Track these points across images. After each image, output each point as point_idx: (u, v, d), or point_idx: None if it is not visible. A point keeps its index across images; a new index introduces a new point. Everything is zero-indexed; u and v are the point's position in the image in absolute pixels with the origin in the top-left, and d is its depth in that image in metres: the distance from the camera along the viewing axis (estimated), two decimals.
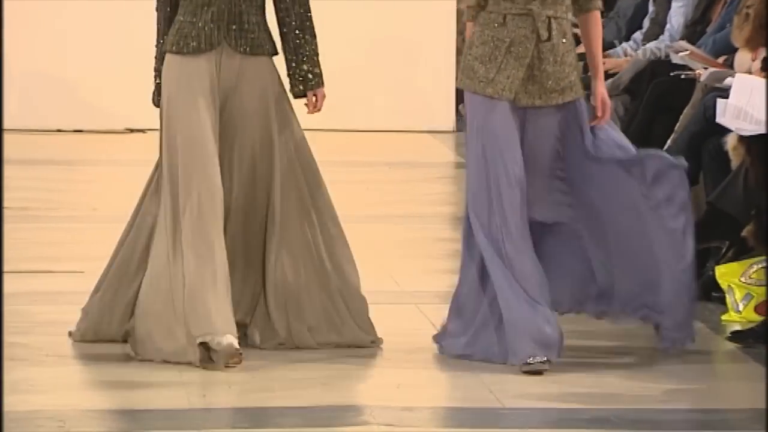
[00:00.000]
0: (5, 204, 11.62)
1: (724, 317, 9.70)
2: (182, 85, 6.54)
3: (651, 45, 12.89)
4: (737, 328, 9.46)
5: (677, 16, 12.83)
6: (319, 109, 6.85)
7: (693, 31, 12.48)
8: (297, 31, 6.74)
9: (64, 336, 9.08)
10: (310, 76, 6.77)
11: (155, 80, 6.66)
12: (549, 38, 6.63)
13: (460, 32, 17.09)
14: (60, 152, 14.87)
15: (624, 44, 13.55)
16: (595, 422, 6.89)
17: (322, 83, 6.78)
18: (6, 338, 8.51)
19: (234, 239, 7.36)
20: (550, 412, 7.20)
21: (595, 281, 7.60)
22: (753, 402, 7.15)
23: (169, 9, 6.52)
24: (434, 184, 14.83)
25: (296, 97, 6.80)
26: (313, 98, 6.85)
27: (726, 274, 9.62)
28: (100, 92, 16.29)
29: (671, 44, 12.25)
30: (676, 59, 11.67)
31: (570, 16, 6.79)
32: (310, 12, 6.67)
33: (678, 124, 11.32)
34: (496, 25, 6.66)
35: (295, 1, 6.57)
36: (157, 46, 6.61)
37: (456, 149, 16.20)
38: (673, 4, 12.96)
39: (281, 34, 6.71)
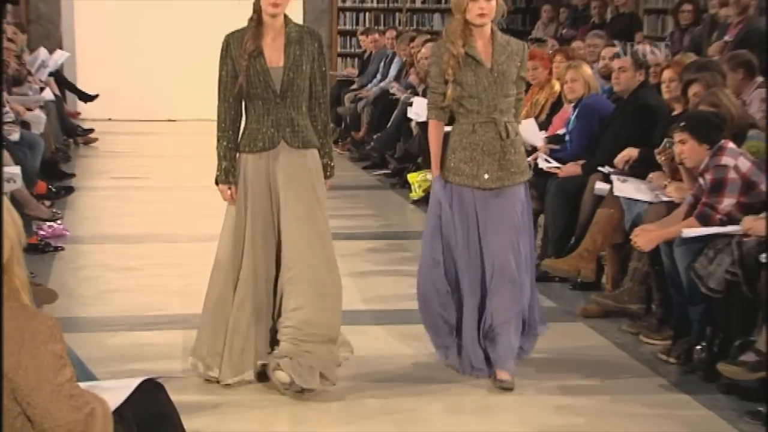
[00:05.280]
0: (115, 149, 12.10)
1: (411, 195, 9.09)
2: (249, 176, 4.68)
3: (382, 83, 11.79)
4: (415, 199, 8.99)
5: (395, 68, 11.78)
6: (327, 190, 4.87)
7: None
8: (321, 133, 4.79)
9: (126, 217, 8.50)
10: (330, 167, 4.84)
11: (221, 162, 4.75)
12: (508, 137, 4.83)
13: None
14: (134, 129, 13.49)
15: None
16: None
17: (331, 174, 4.85)
18: (98, 217, 8.67)
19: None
20: None
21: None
22: None
23: (233, 113, 4.71)
24: None
25: None
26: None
27: (415, 179, 9.08)
28: (155, 98, 14.00)
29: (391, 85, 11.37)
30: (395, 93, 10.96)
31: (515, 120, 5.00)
32: (328, 117, 4.88)
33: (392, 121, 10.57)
34: (468, 133, 4.82)
35: (321, 110, 4.75)
36: (219, 139, 4.74)
37: None
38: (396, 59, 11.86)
39: None
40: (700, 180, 5.30)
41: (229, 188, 4.76)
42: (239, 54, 4.63)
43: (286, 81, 4.64)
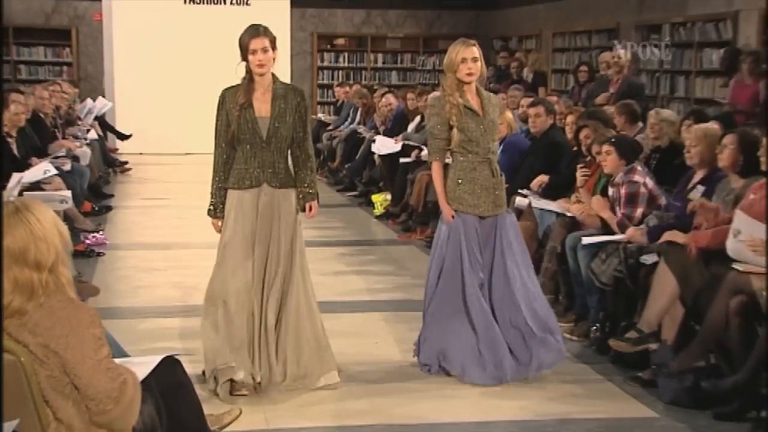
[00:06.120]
0: (141, 174, 11.72)
1: (374, 211, 8.93)
2: (238, 210, 4.28)
3: (352, 125, 11.44)
4: (377, 215, 8.87)
5: (358, 114, 11.49)
6: (314, 216, 4.46)
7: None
8: (302, 170, 4.34)
9: (153, 229, 8.36)
10: (309, 194, 4.36)
11: (212, 199, 4.39)
12: (497, 175, 4.54)
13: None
14: (160, 161, 12.98)
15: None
16: None
17: (314, 198, 4.41)
18: (122, 226, 8.45)
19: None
20: None
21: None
22: None
23: (226, 156, 4.33)
24: None
25: (302, 209, 4.41)
26: (309, 207, 4.40)
27: (378, 199, 8.99)
28: (176, 136, 13.49)
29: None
30: (362, 132, 10.66)
31: None
32: (311, 157, 4.42)
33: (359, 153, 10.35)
34: (469, 170, 4.47)
35: (302, 151, 4.35)
36: (213, 179, 4.39)
37: None
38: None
39: (294, 171, 4.37)
40: (611, 189, 5.31)
41: (219, 221, 4.39)
42: (232, 106, 4.30)
43: (272, 129, 4.28)
